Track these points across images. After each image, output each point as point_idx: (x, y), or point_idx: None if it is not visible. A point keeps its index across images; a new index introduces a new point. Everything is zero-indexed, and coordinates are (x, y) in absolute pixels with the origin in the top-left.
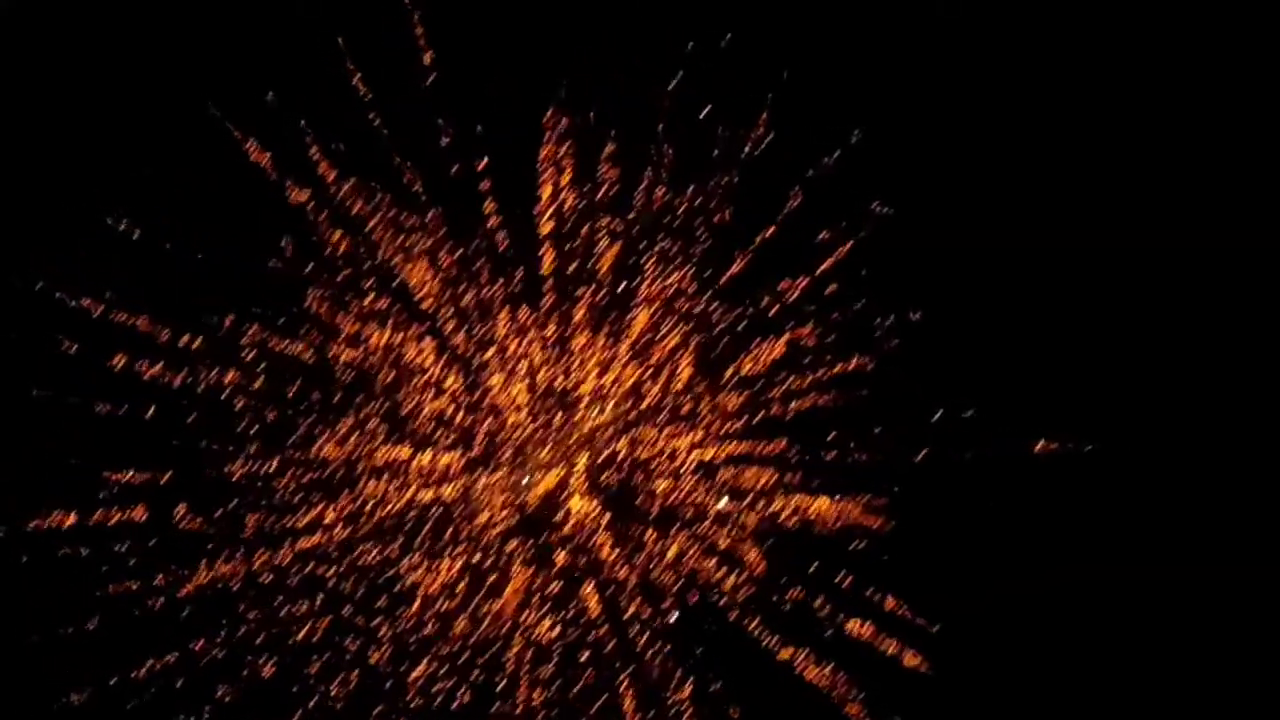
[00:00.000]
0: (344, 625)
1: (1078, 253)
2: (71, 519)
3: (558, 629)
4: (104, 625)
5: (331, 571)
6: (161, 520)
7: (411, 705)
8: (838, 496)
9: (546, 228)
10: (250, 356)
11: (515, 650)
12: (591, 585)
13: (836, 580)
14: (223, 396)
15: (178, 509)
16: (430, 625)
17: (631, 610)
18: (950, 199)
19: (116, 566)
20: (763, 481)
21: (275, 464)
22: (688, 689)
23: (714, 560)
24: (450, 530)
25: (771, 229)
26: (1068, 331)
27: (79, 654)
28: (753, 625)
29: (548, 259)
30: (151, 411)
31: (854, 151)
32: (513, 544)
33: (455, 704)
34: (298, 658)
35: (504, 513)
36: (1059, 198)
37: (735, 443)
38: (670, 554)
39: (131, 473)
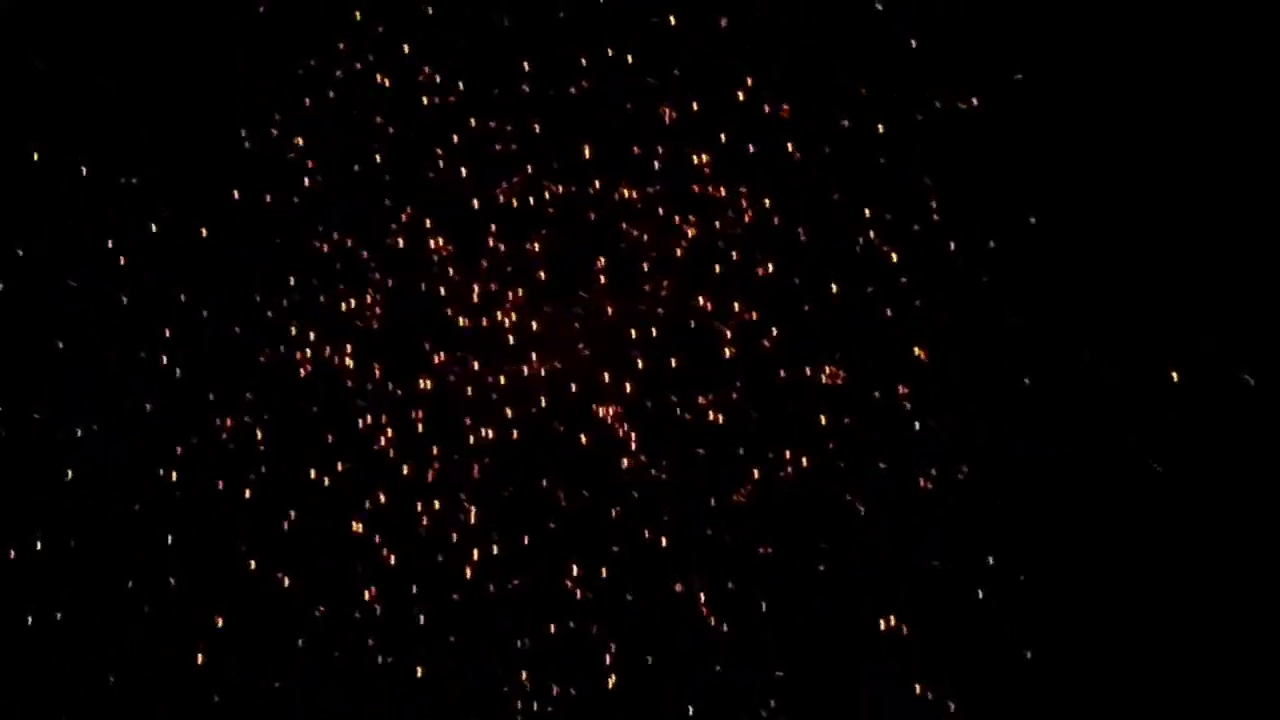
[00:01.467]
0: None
1: (1088, 254)
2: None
3: (575, 549)
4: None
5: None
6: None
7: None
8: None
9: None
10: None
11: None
12: (616, 500)
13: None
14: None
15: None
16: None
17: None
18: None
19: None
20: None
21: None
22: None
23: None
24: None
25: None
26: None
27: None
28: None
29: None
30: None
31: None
32: (524, 451)
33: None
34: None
35: (511, 416)
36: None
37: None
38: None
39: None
